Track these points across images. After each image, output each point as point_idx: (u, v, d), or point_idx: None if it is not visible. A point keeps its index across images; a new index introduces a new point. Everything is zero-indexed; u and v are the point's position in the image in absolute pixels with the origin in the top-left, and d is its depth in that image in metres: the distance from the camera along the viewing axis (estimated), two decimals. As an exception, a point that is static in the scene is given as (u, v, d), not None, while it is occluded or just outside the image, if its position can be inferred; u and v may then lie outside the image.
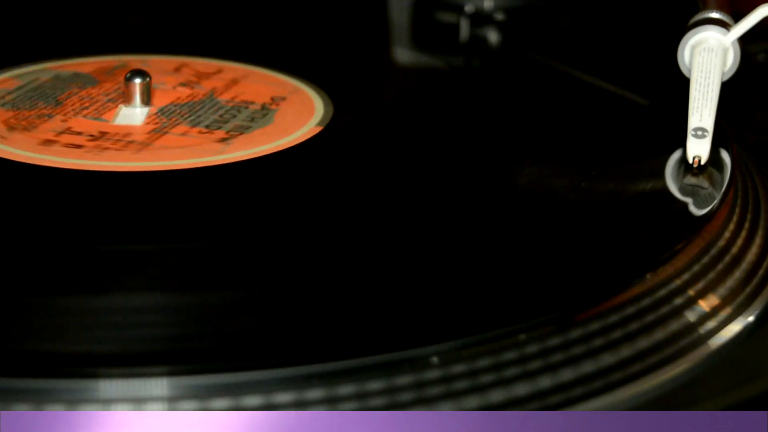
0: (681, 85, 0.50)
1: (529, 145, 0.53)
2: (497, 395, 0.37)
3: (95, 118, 0.53)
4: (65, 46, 0.62)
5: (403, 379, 0.37)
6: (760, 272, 0.45)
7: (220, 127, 0.52)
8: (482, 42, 0.69)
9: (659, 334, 0.41)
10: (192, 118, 0.53)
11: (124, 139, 0.50)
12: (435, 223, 0.45)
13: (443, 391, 0.37)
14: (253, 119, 0.52)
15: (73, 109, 0.53)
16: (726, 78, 0.50)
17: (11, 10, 0.70)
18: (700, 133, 0.49)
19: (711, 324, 0.42)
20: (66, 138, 0.50)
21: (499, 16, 0.69)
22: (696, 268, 0.43)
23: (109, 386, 0.36)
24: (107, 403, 0.35)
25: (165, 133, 0.51)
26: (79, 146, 0.50)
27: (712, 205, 0.46)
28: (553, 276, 0.42)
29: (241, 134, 0.51)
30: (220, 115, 0.53)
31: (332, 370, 0.37)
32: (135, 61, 0.59)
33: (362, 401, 0.36)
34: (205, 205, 0.46)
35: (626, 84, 0.60)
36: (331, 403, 0.36)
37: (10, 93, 0.55)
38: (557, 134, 0.54)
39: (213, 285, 0.41)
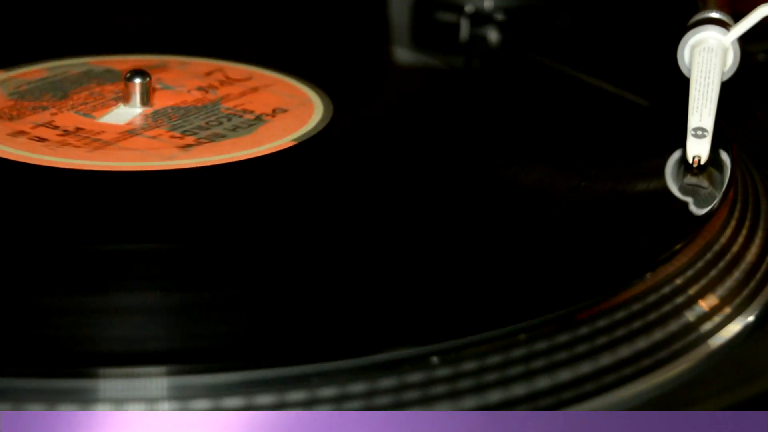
0: (681, 85, 0.50)
1: (529, 145, 0.53)
2: (496, 395, 0.37)
3: (85, 114, 0.53)
4: (112, 42, 0.62)
5: (403, 379, 0.37)
6: (760, 272, 0.45)
7: (195, 134, 0.51)
8: (482, 42, 0.69)
9: (659, 334, 0.41)
10: (178, 122, 0.52)
11: (91, 137, 0.50)
12: (434, 223, 0.45)
13: (443, 391, 0.37)
14: (236, 128, 0.52)
15: (72, 104, 0.53)
16: (726, 78, 0.50)
17: (68, 4, 0.70)
18: (700, 133, 0.49)
19: (711, 324, 0.42)
20: (39, 131, 0.50)
21: (499, 16, 0.69)
22: (696, 267, 0.43)
23: (107, 386, 0.36)
24: (101, 402, 0.35)
25: (137, 134, 0.51)
26: (43, 140, 0.50)
27: (712, 205, 0.46)
28: (552, 276, 0.42)
29: (210, 142, 0.50)
30: (207, 122, 0.52)
31: (325, 370, 0.37)
32: (174, 61, 0.59)
33: (362, 401, 0.36)
34: (133, 209, 0.45)
35: (626, 84, 0.60)
36: (331, 403, 0.36)
37: (30, 83, 0.55)
38: (557, 134, 0.54)
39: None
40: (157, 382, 0.36)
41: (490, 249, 0.44)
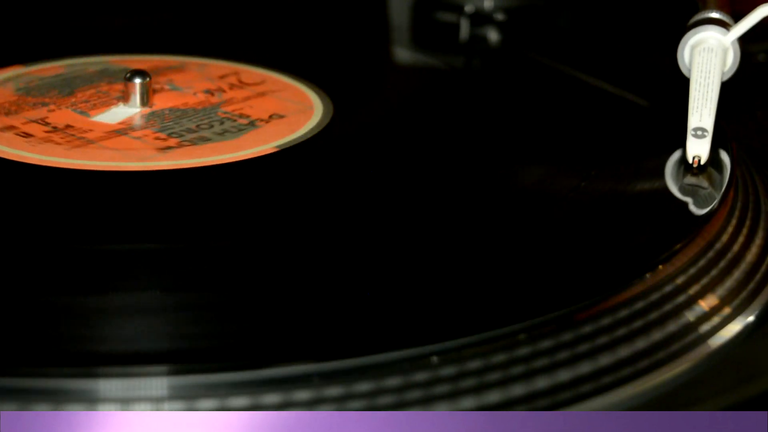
0: (681, 85, 0.50)
1: (529, 145, 0.53)
2: (496, 395, 0.37)
3: (81, 112, 0.53)
4: (134, 41, 0.62)
5: (402, 380, 0.37)
6: (760, 272, 0.45)
7: (181, 136, 0.51)
8: (482, 42, 0.69)
9: (659, 334, 0.41)
10: (169, 124, 0.52)
11: (77, 135, 0.50)
12: (435, 223, 0.45)
13: (442, 391, 0.37)
14: (224, 133, 0.51)
15: (73, 101, 0.53)
16: (726, 78, 0.50)
17: (94, 1, 0.70)
18: (699, 133, 0.49)
19: (711, 324, 0.42)
20: (28, 127, 0.50)
21: (499, 16, 0.69)
22: (696, 267, 0.43)
23: (104, 386, 0.36)
24: (104, 402, 0.35)
25: (123, 134, 0.51)
26: (29, 136, 0.50)
27: (712, 205, 0.46)
28: (552, 276, 0.42)
29: (192, 145, 0.50)
30: (198, 125, 0.52)
31: (326, 370, 0.37)
32: (193, 63, 0.59)
33: (361, 401, 0.37)
34: (106, 208, 0.45)
35: (626, 84, 0.60)
36: (330, 403, 0.36)
37: (42, 80, 0.55)
38: (557, 134, 0.54)
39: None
40: (163, 381, 0.36)
41: (491, 249, 0.44)
